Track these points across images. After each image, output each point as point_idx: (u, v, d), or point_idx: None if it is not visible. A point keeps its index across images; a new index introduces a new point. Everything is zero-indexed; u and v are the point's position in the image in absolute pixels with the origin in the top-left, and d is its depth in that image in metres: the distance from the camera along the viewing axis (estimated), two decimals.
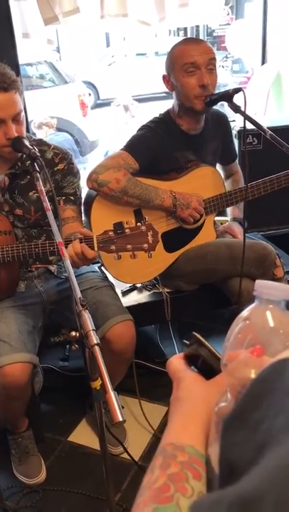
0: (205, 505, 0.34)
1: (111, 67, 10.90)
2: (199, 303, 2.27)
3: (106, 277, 2.03)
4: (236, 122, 2.58)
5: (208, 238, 2.13)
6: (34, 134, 4.87)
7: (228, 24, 8.87)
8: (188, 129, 2.04)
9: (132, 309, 1.94)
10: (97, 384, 1.15)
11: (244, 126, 1.85)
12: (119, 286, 2.19)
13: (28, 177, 1.80)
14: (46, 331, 1.93)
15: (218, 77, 1.98)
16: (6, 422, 1.92)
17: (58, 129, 5.73)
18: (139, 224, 1.54)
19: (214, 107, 2.11)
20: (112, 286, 1.98)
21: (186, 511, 0.38)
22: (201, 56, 1.88)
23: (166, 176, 2.03)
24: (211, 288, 2.16)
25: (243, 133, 2.05)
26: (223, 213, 2.39)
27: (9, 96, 1.63)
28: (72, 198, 1.89)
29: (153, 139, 1.98)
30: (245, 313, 0.52)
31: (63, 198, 1.87)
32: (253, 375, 0.45)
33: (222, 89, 1.95)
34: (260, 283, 0.52)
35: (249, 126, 1.89)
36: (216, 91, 1.95)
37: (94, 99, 10.14)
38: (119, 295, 2.12)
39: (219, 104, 2.02)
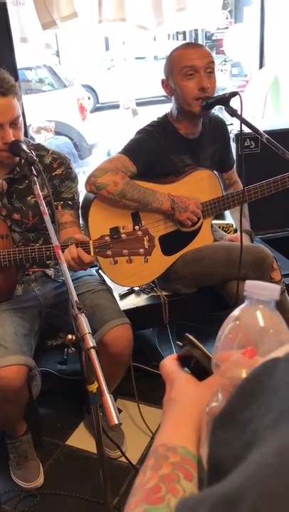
0: (189, 505, 0.34)
1: (110, 71, 10.94)
2: (197, 306, 2.28)
3: (104, 281, 2.03)
4: (234, 126, 2.59)
5: (205, 241, 2.14)
6: (33, 138, 4.88)
7: (227, 28, 8.91)
8: (186, 132, 2.05)
9: (130, 313, 1.94)
10: (93, 387, 1.16)
11: (241, 130, 1.86)
12: (117, 290, 2.19)
13: (27, 182, 1.81)
14: (43, 334, 1.93)
15: (217, 80, 1.99)
16: (4, 426, 1.92)
17: (57, 133, 5.75)
18: (135, 228, 1.54)
19: (214, 113, 2.12)
20: (109, 290, 1.98)
21: None
22: (200, 60, 1.89)
23: (164, 179, 2.03)
24: (209, 291, 2.16)
25: (240, 137, 2.06)
26: (221, 217, 2.40)
27: (7, 101, 1.63)
28: (70, 202, 1.89)
29: (151, 142, 1.98)
30: (235, 313, 0.53)
31: (61, 202, 1.88)
32: (244, 375, 0.46)
33: (221, 93, 1.96)
34: (250, 283, 0.52)
35: (246, 129, 1.90)
36: (215, 95, 1.97)
37: (93, 102, 10.17)
38: (117, 298, 2.12)
39: (218, 108, 2.03)
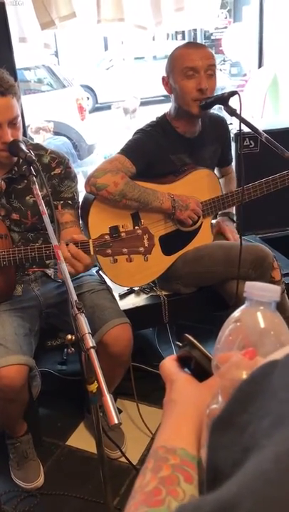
0: (187, 511, 0.34)
1: (109, 71, 10.94)
2: (197, 306, 2.27)
3: (103, 281, 2.03)
4: (233, 125, 2.58)
5: (205, 241, 2.14)
6: (31, 139, 4.88)
7: (226, 27, 8.91)
8: (185, 131, 2.05)
9: (130, 312, 1.94)
10: (93, 387, 1.15)
11: (240, 129, 1.86)
12: (117, 290, 2.19)
13: (25, 181, 1.80)
14: (43, 334, 1.92)
15: (217, 80, 1.99)
16: (4, 426, 1.92)
17: (56, 133, 5.74)
18: (135, 227, 1.54)
19: (214, 112, 2.12)
20: (109, 290, 1.98)
21: None
22: (201, 61, 1.89)
23: (164, 179, 2.03)
24: (209, 291, 2.16)
25: (239, 136, 2.06)
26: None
27: (6, 100, 1.63)
28: (70, 202, 1.89)
29: (149, 142, 1.98)
30: (235, 314, 0.52)
31: (61, 202, 1.87)
32: (244, 377, 0.45)
33: (220, 93, 1.95)
34: (250, 284, 0.52)
35: (246, 129, 1.90)
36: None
37: (92, 103, 10.17)
38: (117, 298, 2.12)
39: (217, 108, 2.03)
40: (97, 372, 1.07)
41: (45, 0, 2.27)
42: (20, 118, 1.71)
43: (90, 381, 1.15)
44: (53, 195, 1.77)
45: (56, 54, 10.04)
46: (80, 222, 1.97)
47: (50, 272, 1.96)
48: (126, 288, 2.23)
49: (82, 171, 4.87)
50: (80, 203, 1.98)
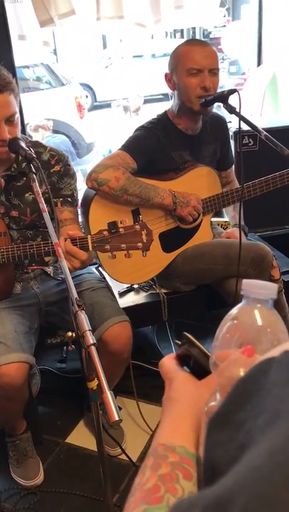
0: (183, 507, 0.34)
1: (108, 69, 10.92)
2: (196, 304, 2.28)
3: (103, 278, 2.03)
4: (232, 123, 2.58)
5: (205, 238, 2.14)
6: (30, 136, 4.87)
7: (225, 26, 8.90)
8: (186, 128, 2.05)
9: (129, 310, 1.94)
10: (93, 384, 1.15)
11: (239, 127, 1.86)
12: (116, 288, 2.19)
13: (24, 179, 1.80)
14: (43, 332, 1.92)
15: (219, 78, 1.99)
16: (4, 423, 1.92)
17: (55, 131, 5.74)
18: (134, 223, 1.54)
19: (215, 111, 2.12)
20: (109, 288, 1.98)
21: None
22: (205, 60, 1.90)
23: (164, 176, 2.04)
24: (208, 289, 2.16)
25: (238, 134, 2.06)
26: (219, 214, 2.40)
27: (3, 97, 1.63)
28: (69, 199, 1.89)
29: (150, 138, 1.99)
30: (233, 312, 0.52)
31: (61, 199, 1.87)
32: (242, 374, 0.45)
33: (219, 91, 1.96)
34: (247, 282, 0.51)
35: (245, 127, 1.90)
36: None
37: (91, 101, 10.15)
38: (116, 296, 2.12)
39: (216, 105, 2.03)
40: (98, 369, 1.07)
41: None
42: (18, 115, 1.70)
43: (91, 378, 1.15)
44: (52, 193, 1.77)
45: (55, 52, 10.03)
46: (81, 218, 1.97)
47: (49, 269, 1.96)
48: (125, 286, 2.23)
49: (81, 169, 4.86)
50: (81, 199, 1.98)
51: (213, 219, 2.25)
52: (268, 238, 2.57)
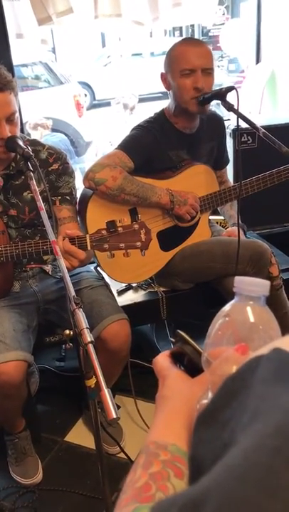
0: (163, 506, 0.34)
1: (106, 67, 10.91)
2: (195, 302, 2.28)
3: (101, 277, 2.03)
4: (230, 121, 2.58)
5: (203, 236, 2.14)
6: (29, 134, 4.87)
7: (224, 24, 8.89)
8: (183, 127, 2.04)
9: (128, 308, 1.94)
10: (91, 382, 1.15)
11: (238, 125, 1.86)
12: (115, 286, 2.19)
13: (23, 177, 1.80)
14: (41, 330, 1.92)
15: (215, 77, 1.98)
16: (3, 422, 1.92)
17: (54, 130, 5.73)
18: (132, 222, 1.54)
19: (211, 109, 2.12)
20: (107, 286, 1.98)
21: None
22: (199, 60, 1.89)
23: (161, 174, 2.03)
24: (207, 287, 2.16)
25: (237, 131, 2.06)
26: (217, 212, 2.40)
27: (4, 96, 1.63)
28: (68, 197, 1.89)
29: (147, 137, 1.98)
30: (225, 309, 0.52)
31: (59, 197, 1.87)
32: (234, 371, 0.45)
33: (216, 89, 1.95)
34: (239, 279, 0.51)
35: (244, 124, 1.90)
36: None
37: (90, 99, 10.14)
38: (115, 294, 2.12)
39: (215, 104, 2.02)
40: (96, 367, 1.07)
41: None
42: (17, 114, 1.70)
43: (88, 376, 1.15)
44: (50, 191, 1.77)
45: (53, 50, 10.03)
46: (78, 217, 1.97)
47: (47, 268, 1.96)
48: (124, 284, 2.23)
49: (80, 167, 4.86)
50: (78, 199, 1.97)
51: (211, 217, 2.25)
52: (267, 236, 2.57)
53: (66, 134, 6.13)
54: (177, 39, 2.07)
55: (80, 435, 2.09)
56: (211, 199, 2.09)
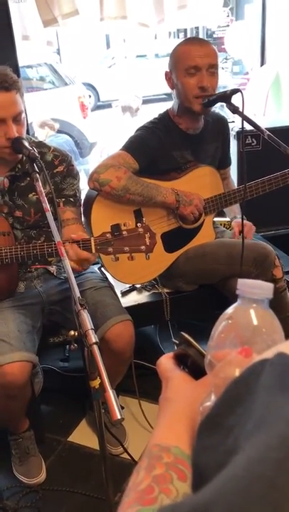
0: None
1: (111, 68, 10.92)
2: (199, 303, 2.28)
3: (105, 278, 2.03)
4: (235, 123, 2.58)
5: (207, 238, 2.14)
6: (33, 134, 4.88)
7: (228, 26, 8.88)
8: (187, 128, 2.05)
9: (132, 310, 1.95)
10: (96, 383, 1.16)
11: (242, 127, 1.86)
12: (119, 287, 2.20)
13: (28, 179, 1.81)
14: (45, 331, 1.93)
15: (219, 78, 1.99)
16: (7, 422, 1.92)
17: (58, 131, 5.73)
18: (137, 225, 1.54)
19: (215, 110, 2.12)
20: (111, 287, 1.98)
21: None
22: (203, 59, 1.89)
23: (166, 176, 2.04)
24: (211, 288, 2.16)
25: (241, 134, 2.06)
26: (222, 214, 2.40)
27: (10, 96, 1.64)
28: (71, 199, 1.90)
29: (151, 138, 1.99)
30: (228, 312, 0.52)
31: (63, 199, 1.88)
32: (237, 374, 0.45)
33: (221, 91, 1.96)
34: (242, 282, 0.51)
35: (248, 127, 1.90)
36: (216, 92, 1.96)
37: (94, 100, 10.16)
38: (119, 295, 2.13)
39: (219, 105, 2.03)
40: (100, 368, 1.07)
41: None
42: (24, 114, 1.72)
43: (93, 377, 1.15)
44: (55, 193, 1.77)
45: (58, 52, 10.05)
46: (83, 219, 1.97)
47: (52, 269, 1.97)
48: (128, 285, 2.23)
49: (84, 168, 4.87)
50: (83, 201, 1.98)
51: (215, 219, 2.26)
52: (271, 238, 2.57)
53: (71, 135, 6.14)
54: (187, 38, 2.07)
55: (83, 435, 2.09)
56: (215, 201, 2.09)
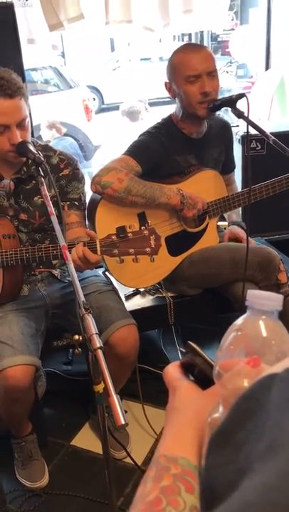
0: None
1: (115, 71, 10.95)
2: (202, 307, 2.27)
3: (110, 282, 2.03)
4: (240, 128, 2.58)
5: (211, 242, 2.14)
6: (40, 136, 4.91)
7: (233, 29, 8.90)
8: (191, 132, 2.05)
9: (136, 313, 1.94)
10: (99, 387, 1.16)
11: (247, 132, 1.86)
12: (123, 291, 2.19)
13: (33, 182, 1.81)
14: (49, 334, 1.93)
15: (223, 82, 1.99)
16: (10, 425, 1.92)
17: (63, 134, 5.76)
18: (142, 228, 1.54)
19: (218, 115, 2.12)
20: (115, 291, 1.98)
21: None
22: (202, 65, 1.89)
23: (170, 179, 2.04)
24: (214, 293, 2.16)
25: (246, 138, 2.06)
26: (224, 218, 2.40)
27: (14, 102, 1.64)
28: (76, 203, 1.90)
29: (154, 143, 1.99)
30: (237, 323, 0.51)
31: (68, 203, 1.88)
32: (245, 385, 0.44)
33: (226, 95, 1.96)
34: (252, 293, 0.50)
35: (253, 131, 1.90)
36: (220, 96, 1.97)
37: (98, 103, 10.18)
38: (123, 299, 2.13)
39: (224, 109, 2.03)
40: (104, 373, 1.07)
41: (54, 1, 2.29)
42: (28, 119, 1.72)
43: (97, 381, 1.15)
44: (60, 196, 1.78)
45: (63, 55, 10.07)
46: (88, 222, 1.97)
47: (56, 272, 1.97)
48: (132, 289, 2.23)
49: (88, 171, 4.87)
50: (87, 205, 1.98)
51: (219, 223, 2.25)
52: (275, 242, 2.56)
53: (75, 138, 6.16)
54: (181, 45, 2.06)
55: (86, 439, 2.09)
56: (219, 204, 2.09)
